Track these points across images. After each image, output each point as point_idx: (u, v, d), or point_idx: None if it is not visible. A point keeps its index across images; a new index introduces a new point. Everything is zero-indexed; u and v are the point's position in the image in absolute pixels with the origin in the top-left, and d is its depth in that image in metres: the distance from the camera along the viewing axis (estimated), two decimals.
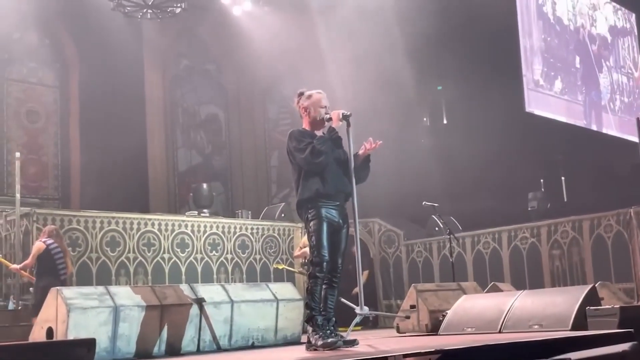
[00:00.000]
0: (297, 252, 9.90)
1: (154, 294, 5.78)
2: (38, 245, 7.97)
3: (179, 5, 11.74)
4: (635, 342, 4.50)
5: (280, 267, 10.39)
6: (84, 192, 13.10)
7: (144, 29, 13.42)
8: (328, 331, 4.88)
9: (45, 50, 13.50)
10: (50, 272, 7.92)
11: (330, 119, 5.09)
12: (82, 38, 13.26)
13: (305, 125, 5.18)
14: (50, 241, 8.01)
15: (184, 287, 6.17)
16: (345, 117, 5.07)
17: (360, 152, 5.15)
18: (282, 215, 11.89)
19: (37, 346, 3.23)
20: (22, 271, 8.17)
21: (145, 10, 11.73)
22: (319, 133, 5.10)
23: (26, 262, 8.08)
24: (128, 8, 11.59)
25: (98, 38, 12.66)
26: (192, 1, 12.08)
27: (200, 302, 5.98)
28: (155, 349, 5.61)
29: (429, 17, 12.76)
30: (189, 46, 15.06)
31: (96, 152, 12.91)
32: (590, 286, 6.12)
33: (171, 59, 14.83)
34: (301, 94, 5.22)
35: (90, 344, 2.96)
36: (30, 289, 8.26)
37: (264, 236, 11.19)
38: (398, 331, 7.46)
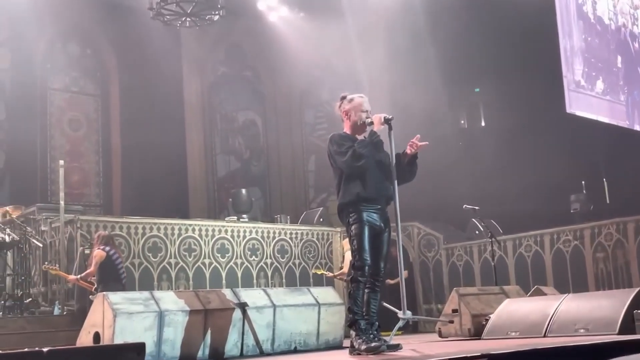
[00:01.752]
0: (337, 272, 9.96)
1: (198, 299, 5.84)
2: (99, 254, 8.09)
3: (216, 13, 11.85)
4: None
5: (319, 272, 10.41)
6: (125, 198, 13.30)
7: (183, 37, 13.60)
8: (371, 335, 4.88)
9: (87, 60, 13.77)
10: (114, 278, 8.08)
11: (371, 123, 5.08)
12: (122, 47, 13.49)
13: (346, 129, 5.18)
14: (108, 248, 8.17)
15: (227, 292, 6.22)
16: (387, 121, 5.06)
17: (407, 151, 5.13)
18: (321, 219, 11.91)
19: (87, 351, 3.29)
20: (82, 281, 8.29)
21: (184, 18, 11.87)
22: (359, 137, 5.10)
23: (89, 271, 8.21)
24: (167, 17, 11.73)
25: (138, 47, 12.87)
26: (229, 8, 12.17)
27: (243, 306, 6.02)
28: (200, 353, 5.66)
29: (465, 17, 12.68)
30: (227, 53, 15.21)
31: (137, 158, 13.10)
32: (637, 289, 6.01)
33: (209, 66, 14.99)
34: (343, 98, 5.23)
35: (140, 348, 3.01)
36: (91, 296, 8.32)
37: (302, 241, 11.22)
38: (440, 336, 7.40)
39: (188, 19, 11.86)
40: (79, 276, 8.32)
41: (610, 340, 4.89)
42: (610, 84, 12.74)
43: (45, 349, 2.76)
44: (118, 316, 5.31)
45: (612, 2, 13.16)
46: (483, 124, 15.41)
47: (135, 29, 12.59)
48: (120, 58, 13.70)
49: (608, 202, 13.56)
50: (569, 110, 11.85)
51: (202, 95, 14.57)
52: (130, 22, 12.59)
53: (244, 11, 14.00)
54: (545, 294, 7.42)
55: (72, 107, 13.55)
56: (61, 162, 9.74)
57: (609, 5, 13.08)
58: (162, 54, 12.86)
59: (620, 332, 5.43)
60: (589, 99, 12.26)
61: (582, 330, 5.70)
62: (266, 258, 10.78)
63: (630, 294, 5.86)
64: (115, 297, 5.51)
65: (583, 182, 13.56)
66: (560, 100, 12.04)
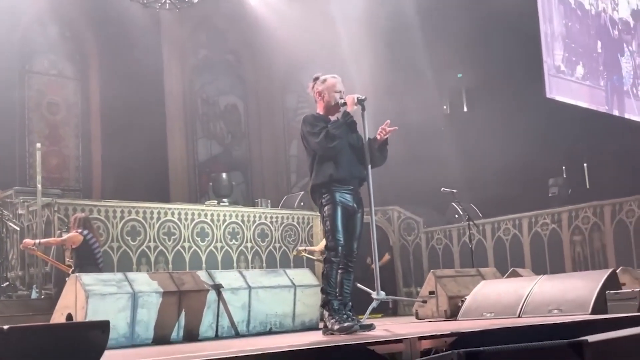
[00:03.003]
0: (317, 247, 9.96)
1: (172, 280, 5.83)
2: (77, 237, 7.96)
3: None
4: None
5: (301, 253, 10.36)
6: (105, 183, 13.22)
7: (163, 20, 13.47)
8: (345, 315, 4.89)
9: (66, 43, 13.61)
10: (91, 262, 8.00)
11: (345, 104, 5.07)
12: (101, 30, 13.35)
13: (320, 109, 5.16)
14: (86, 232, 8.09)
15: (202, 274, 6.21)
16: (361, 102, 5.04)
17: (378, 136, 5.13)
18: (302, 203, 11.90)
19: (52, 328, 3.26)
20: (59, 263, 8.18)
21: (163, 0, 11.75)
22: (332, 118, 5.09)
23: (54, 240, 8.13)
24: None
25: (117, 29, 12.74)
26: None
27: (218, 288, 6.01)
28: (174, 335, 5.65)
29: (448, 3, 12.66)
30: (208, 37, 15.09)
31: (117, 143, 13.00)
32: (610, 270, 6.07)
33: (190, 49, 14.87)
34: (316, 79, 5.21)
35: (104, 325, 2.98)
36: (67, 279, 8.24)
37: (283, 225, 11.21)
38: (417, 317, 7.45)
39: (168, 1, 11.75)
40: (37, 241, 8.13)
41: (581, 320, 4.93)
42: (590, 69, 12.79)
43: (5, 327, 2.73)
44: (90, 297, 5.29)
45: None
46: (465, 109, 15.44)
47: (115, 11, 12.45)
48: (100, 41, 13.56)
49: (588, 186, 13.64)
50: (549, 95, 11.88)
51: (182, 79, 14.46)
52: (110, 4, 12.45)
53: None
54: (521, 276, 7.47)
55: (51, 90, 13.41)
56: (38, 145, 9.64)
57: None
58: (142, 37, 12.74)
59: (593, 312, 5.48)
60: (569, 84, 12.30)
61: (555, 311, 5.74)
62: (246, 242, 10.77)
63: (603, 275, 5.91)
64: (88, 278, 5.49)
65: (563, 167, 13.64)
66: (540, 85, 12.07)
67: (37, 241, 8.13)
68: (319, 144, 4.92)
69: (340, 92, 5.11)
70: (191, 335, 5.78)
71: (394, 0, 12.83)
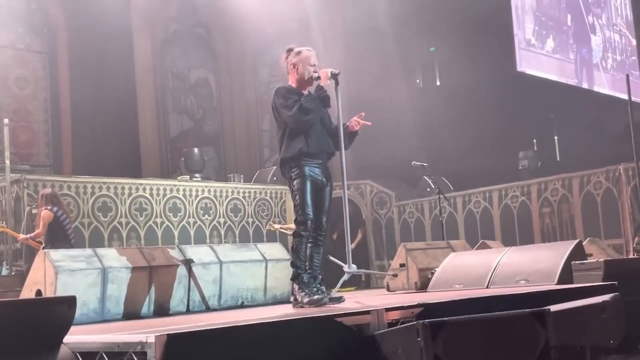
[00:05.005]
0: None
1: (142, 256, 5.82)
2: (47, 214, 7.92)
3: None
4: (616, 294, 4.54)
5: (274, 227, 10.41)
6: (76, 158, 13.07)
7: None
8: (314, 288, 4.92)
9: (33, 16, 13.34)
10: (62, 238, 7.96)
11: (318, 78, 5.04)
12: (69, 2, 13.09)
13: (292, 82, 5.12)
14: (56, 208, 8.03)
15: (173, 249, 6.20)
16: (334, 76, 5.01)
17: (349, 125, 5.12)
18: (274, 178, 11.89)
19: (18, 303, 3.25)
20: (31, 240, 8.17)
21: None
22: (305, 92, 5.07)
23: (38, 231, 8.05)
24: None
25: (86, 2, 12.51)
26: None
27: (188, 263, 6.02)
28: (144, 310, 5.66)
29: None
30: (178, 10, 14.87)
31: (87, 118, 12.84)
32: (576, 241, 6.17)
33: (160, 23, 14.66)
34: (290, 50, 5.15)
35: (70, 301, 2.97)
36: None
37: (256, 200, 11.21)
38: (388, 290, 7.54)
39: None
40: (28, 235, 8.19)
41: (546, 289, 5.02)
42: (560, 42, 12.88)
43: None
44: (60, 273, 5.26)
45: None
46: (438, 83, 15.48)
47: None
48: (68, 14, 13.29)
49: (558, 159, 13.83)
50: (519, 68, 11.97)
51: (152, 53, 14.27)
52: None
53: None
54: (490, 248, 7.57)
55: (19, 64, 13.15)
56: (5, 120, 9.47)
57: None
58: (111, 10, 12.52)
59: (559, 283, 5.58)
60: (539, 57, 12.39)
61: (522, 282, 5.83)
62: (219, 217, 10.76)
63: (570, 245, 6.01)
64: (57, 254, 5.46)
65: (534, 140, 13.79)
66: (511, 58, 12.14)
67: (28, 236, 8.10)
68: (292, 117, 4.89)
69: (314, 65, 5.08)
70: (162, 310, 5.79)
71: None
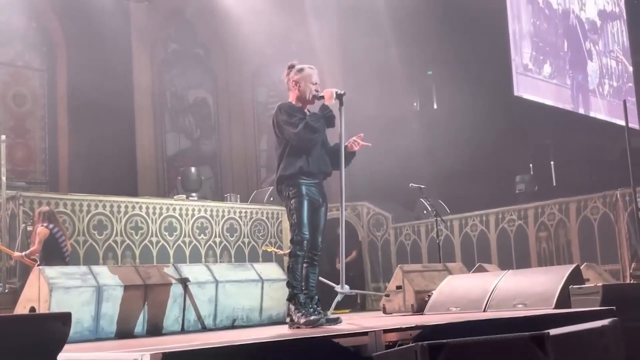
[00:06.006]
0: (287, 250, 9.91)
1: (138, 274, 5.78)
2: (43, 231, 7.90)
3: None
4: (615, 318, 4.52)
5: (269, 249, 10.39)
6: (72, 176, 13.05)
7: (132, 12, 13.33)
8: (311, 309, 4.88)
9: (32, 33, 13.39)
10: (57, 256, 7.92)
11: (322, 97, 5.03)
12: (69, 21, 13.15)
13: (292, 99, 5.09)
14: (52, 225, 8.00)
15: (169, 267, 6.17)
16: (339, 96, 5.01)
17: (349, 149, 5.11)
18: (271, 199, 11.87)
19: (12, 319, 3.21)
20: (26, 258, 8.11)
21: None
22: (305, 109, 5.06)
23: (33, 248, 8.00)
24: None
25: (85, 21, 12.56)
26: None
27: (184, 281, 5.98)
28: (138, 329, 5.60)
29: (419, 0, 12.72)
30: (177, 30, 14.95)
31: (84, 136, 12.84)
32: (574, 265, 6.15)
33: (159, 42, 14.73)
34: (292, 67, 5.14)
35: (66, 317, 2.94)
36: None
37: (252, 220, 11.18)
38: (384, 312, 7.48)
39: None
40: (23, 253, 8.14)
41: (544, 313, 4.99)
42: (557, 67, 12.96)
43: None
44: (54, 290, 5.22)
45: None
46: (435, 106, 15.54)
47: (83, 2, 12.29)
48: (68, 32, 13.35)
49: (554, 184, 13.85)
50: (516, 93, 12.02)
51: (151, 73, 14.31)
52: None
53: None
54: (487, 271, 7.55)
55: (17, 81, 13.17)
56: (3, 137, 9.44)
57: None
58: (110, 29, 12.58)
59: (557, 307, 5.55)
60: (536, 82, 12.45)
61: (520, 305, 5.80)
62: (215, 237, 10.72)
63: (567, 270, 5.99)
64: (52, 271, 5.41)
65: (530, 164, 13.82)
66: (508, 83, 12.20)
67: (23, 253, 8.05)
68: (297, 135, 4.85)
69: (316, 84, 5.08)
70: (156, 329, 5.74)
71: None
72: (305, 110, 5.06)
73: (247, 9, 13.87)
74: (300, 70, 5.08)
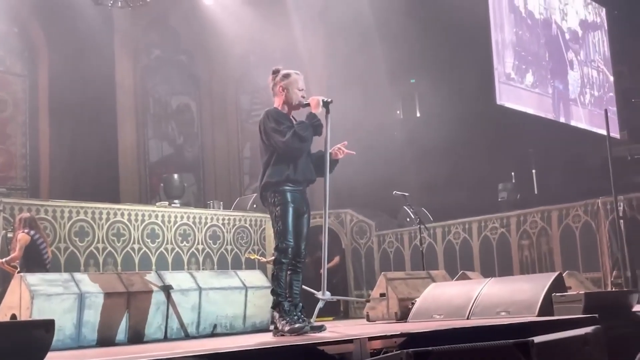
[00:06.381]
0: (270, 257, 9.89)
1: (120, 281, 5.73)
2: (24, 237, 7.82)
3: None
4: (598, 326, 4.55)
5: (252, 257, 10.35)
6: (53, 182, 12.93)
7: (115, 17, 13.24)
8: (295, 317, 4.87)
9: (14, 38, 13.27)
10: (37, 263, 7.83)
11: (307, 105, 5.02)
12: (51, 26, 13.05)
13: (278, 104, 5.07)
14: (33, 232, 7.91)
15: (152, 275, 6.12)
16: (326, 104, 5.00)
17: (332, 153, 5.11)
18: (254, 206, 11.83)
19: None
20: (6, 265, 8.01)
21: None
22: (290, 116, 5.05)
23: (14, 255, 7.90)
24: None
25: (68, 26, 12.48)
26: None
27: (167, 289, 5.94)
28: (120, 336, 5.56)
29: (403, 8, 12.79)
30: (161, 36, 14.89)
31: (66, 142, 12.74)
32: (557, 273, 6.19)
33: (142, 48, 14.66)
34: (277, 72, 5.12)
35: (48, 324, 2.91)
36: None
37: (235, 227, 11.14)
38: (368, 319, 7.48)
39: None
40: (4, 260, 8.04)
41: (528, 321, 5.01)
42: (539, 77, 13.06)
43: None
44: (36, 298, 5.16)
45: None
46: (418, 114, 15.61)
47: (65, 8, 12.20)
48: (50, 38, 13.25)
49: (536, 192, 13.93)
50: (499, 101, 12.09)
51: (134, 79, 14.24)
52: (60, 0, 12.21)
53: None
54: (470, 279, 7.57)
55: None
56: None
57: (540, 0, 13.39)
58: (93, 35, 12.49)
59: (540, 314, 5.58)
60: (518, 91, 12.54)
61: (503, 313, 5.83)
62: (197, 244, 10.67)
63: (550, 277, 6.03)
64: (33, 278, 5.35)
65: (512, 172, 13.90)
66: (491, 91, 12.27)
67: (3, 260, 7.94)
68: (285, 144, 4.83)
69: (302, 90, 5.07)
70: (138, 337, 5.69)
71: (350, 4, 12.89)
72: (292, 117, 5.05)
73: (231, 15, 13.87)
74: (287, 75, 5.06)
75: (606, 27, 15.02)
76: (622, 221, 8.64)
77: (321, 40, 13.57)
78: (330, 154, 5.11)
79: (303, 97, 5.03)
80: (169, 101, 15.02)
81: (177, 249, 10.40)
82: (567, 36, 13.92)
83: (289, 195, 4.89)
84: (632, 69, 16.00)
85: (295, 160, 4.91)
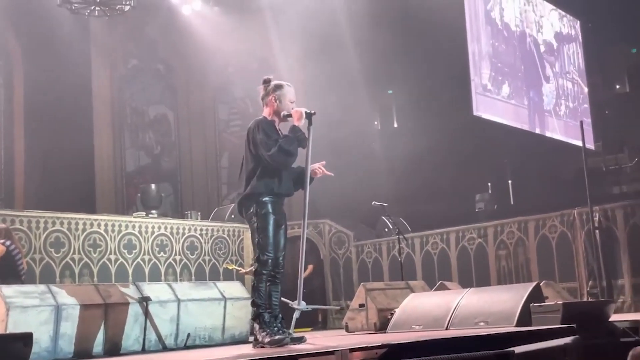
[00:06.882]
0: (248, 269, 9.84)
1: (98, 293, 5.67)
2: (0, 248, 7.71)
3: (127, 3, 11.53)
4: (576, 336, 4.59)
5: (230, 267, 10.30)
6: (29, 192, 12.76)
7: (92, 27, 13.16)
8: (275, 328, 4.85)
9: None
10: (12, 274, 7.68)
11: (289, 116, 5.01)
12: (27, 35, 12.92)
13: (268, 114, 5.05)
14: (8, 242, 7.79)
15: (129, 286, 6.06)
16: (309, 116, 5.00)
17: (311, 171, 5.11)
18: (232, 216, 11.78)
19: None
20: None
21: (92, 7, 11.49)
22: (277, 126, 5.04)
23: None
24: (75, 5, 11.33)
25: (44, 35, 12.36)
26: None
27: (145, 300, 5.88)
28: (97, 349, 5.49)
29: (380, 20, 12.87)
30: (138, 45, 14.81)
31: (41, 151, 12.59)
32: (534, 284, 6.25)
33: (120, 58, 14.57)
34: (268, 81, 5.10)
35: (27, 338, 2.87)
36: None
37: (213, 237, 11.07)
38: (347, 330, 7.47)
39: (97, 8, 11.50)
40: None
41: (507, 331, 5.04)
42: (515, 88, 13.20)
43: None
44: (11, 310, 5.08)
45: (519, 10, 13.65)
46: (396, 125, 15.71)
47: (42, 16, 12.09)
48: (26, 47, 13.11)
49: (512, 202, 14.06)
50: (475, 113, 12.19)
51: (111, 88, 14.14)
52: (36, 8, 12.09)
53: (157, 3, 13.70)
54: (448, 289, 7.60)
55: None
56: None
57: (516, 12, 13.55)
58: (69, 44, 12.38)
59: (518, 324, 5.62)
60: (495, 103, 12.64)
61: (482, 323, 5.86)
62: (175, 254, 10.58)
63: (528, 288, 6.08)
64: (9, 290, 5.28)
65: (489, 183, 14.02)
66: (468, 103, 12.37)
67: None
68: (271, 158, 4.82)
69: (293, 102, 5.07)
70: (114, 349, 5.62)
71: (328, 17, 12.94)
72: (279, 128, 5.05)
73: (210, 26, 13.85)
74: (280, 86, 5.06)
75: (580, 40, 15.24)
76: (597, 231, 8.74)
77: (299, 51, 13.58)
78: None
79: (286, 110, 5.03)
80: (146, 111, 14.93)
81: (154, 259, 10.30)
82: (543, 48, 14.09)
83: (270, 206, 4.89)
84: (606, 81, 16.26)
85: (280, 173, 4.92)
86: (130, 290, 5.97)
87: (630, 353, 3.72)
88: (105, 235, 9.84)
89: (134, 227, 10.19)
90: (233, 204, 12.28)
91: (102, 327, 5.55)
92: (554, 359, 4.03)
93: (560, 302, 5.65)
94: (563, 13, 14.81)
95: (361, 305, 7.32)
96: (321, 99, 12.53)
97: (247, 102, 14.63)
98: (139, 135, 14.77)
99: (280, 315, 4.96)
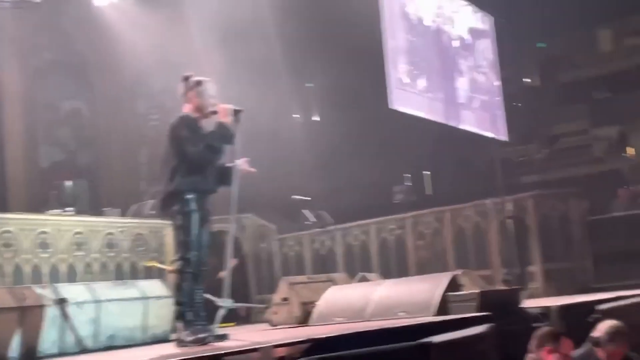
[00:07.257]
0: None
1: (11, 296, 5.48)
2: None
3: None
4: (492, 324, 4.77)
5: (150, 264, 10.13)
6: None
7: (1, 18, 12.64)
8: (198, 326, 4.83)
9: None
10: None
11: (215, 113, 4.98)
12: None
13: (189, 110, 5.01)
14: None
15: (46, 288, 5.89)
16: (237, 114, 4.98)
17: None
18: (152, 212, 11.59)
19: None
20: None
21: None
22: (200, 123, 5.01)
23: None
24: None
25: None
26: None
27: (62, 302, 5.73)
28: (12, 354, 5.31)
29: (300, 14, 12.91)
30: (51, 38, 14.30)
31: None
32: (452, 274, 6.44)
33: (31, 51, 14.04)
34: (187, 78, 5.06)
35: None
36: None
37: (132, 234, 10.87)
38: (271, 324, 7.51)
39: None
40: None
41: (427, 321, 5.19)
42: (430, 82, 13.46)
43: None
44: None
45: (435, 5, 13.92)
46: (317, 118, 15.82)
47: None
48: None
49: (431, 193, 14.42)
50: (392, 106, 12.37)
51: (23, 82, 13.62)
52: None
53: None
54: (369, 281, 7.75)
55: None
56: None
57: (431, 8, 13.81)
58: None
59: (437, 314, 5.79)
60: (411, 96, 12.84)
61: (402, 314, 6.00)
62: (93, 253, 10.33)
63: (445, 278, 6.27)
64: None
65: (408, 174, 14.33)
66: (385, 96, 12.56)
67: None
68: (198, 154, 4.79)
69: (214, 97, 5.04)
70: (30, 354, 5.46)
71: (248, 9, 12.87)
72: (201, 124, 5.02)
73: (126, 19, 13.54)
74: (199, 83, 5.05)
75: (493, 35, 15.68)
76: (510, 221, 9.09)
77: (218, 43, 13.45)
78: (233, 167, 5.11)
79: (213, 105, 5.01)
80: (60, 105, 14.47)
81: (71, 259, 10.03)
82: (457, 43, 14.43)
83: (193, 204, 4.86)
84: (517, 74, 16.84)
85: (204, 170, 4.89)
86: (46, 292, 5.80)
87: (534, 333, 3.92)
88: (18, 234, 9.51)
89: (48, 225, 9.89)
90: (153, 200, 12.07)
91: (16, 332, 5.37)
92: (471, 347, 4.19)
93: (477, 291, 5.85)
94: (477, 9, 15.20)
95: (284, 299, 7.36)
96: (241, 92, 12.48)
97: (164, 97, 14.39)
98: (53, 131, 14.31)
99: (203, 314, 4.94)
